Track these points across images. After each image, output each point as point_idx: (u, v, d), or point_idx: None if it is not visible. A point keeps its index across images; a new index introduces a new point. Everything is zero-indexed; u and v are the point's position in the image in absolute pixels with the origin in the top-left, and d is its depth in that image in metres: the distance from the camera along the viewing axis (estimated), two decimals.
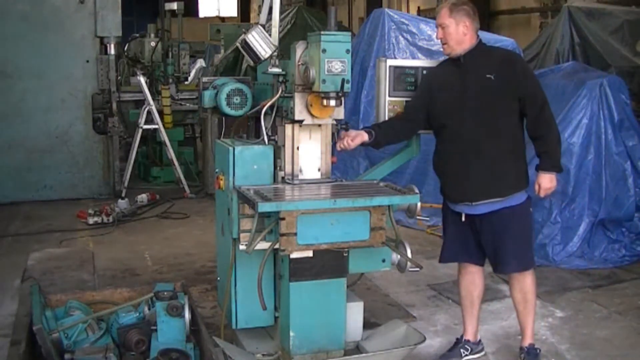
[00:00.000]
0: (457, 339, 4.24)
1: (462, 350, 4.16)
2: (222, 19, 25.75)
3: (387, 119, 4.02)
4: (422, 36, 7.71)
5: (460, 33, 3.81)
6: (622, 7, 8.71)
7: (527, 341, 4.11)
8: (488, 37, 7.79)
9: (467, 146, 3.82)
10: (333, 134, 3.73)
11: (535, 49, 8.92)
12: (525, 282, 4.02)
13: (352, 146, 3.79)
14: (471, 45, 3.84)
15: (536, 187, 3.91)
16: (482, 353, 4.23)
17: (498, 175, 3.84)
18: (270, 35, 3.62)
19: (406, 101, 3.99)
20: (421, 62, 4.33)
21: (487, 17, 14.12)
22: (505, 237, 3.89)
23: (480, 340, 4.25)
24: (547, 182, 3.88)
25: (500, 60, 3.88)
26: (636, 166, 6.13)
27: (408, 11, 16.94)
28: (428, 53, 7.62)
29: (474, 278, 4.15)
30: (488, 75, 3.76)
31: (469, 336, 4.19)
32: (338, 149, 3.81)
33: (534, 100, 3.82)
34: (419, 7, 17.58)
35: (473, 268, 4.13)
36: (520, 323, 4.14)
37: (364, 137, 3.83)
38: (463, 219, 3.96)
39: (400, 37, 7.73)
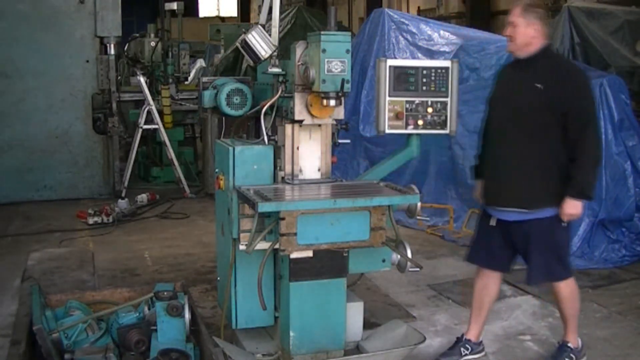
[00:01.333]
0: (458, 337, 4.24)
1: (462, 349, 4.17)
2: (222, 19, 25.77)
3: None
4: (422, 36, 7.71)
5: (528, 35, 3.79)
6: (622, 7, 8.70)
7: (564, 338, 4.14)
8: (488, 37, 7.83)
9: (504, 151, 3.88)
10: (333, 134, 3.73)
11: None
12: (557, 291, 4.02)
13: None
14: (536, 49, 3.82)
15: (560, 210, 3.82)
16: (482, 354, 4.23)
17: (529, 186, 3.83)
18: (270, 35, 3.62)
19: None
20: (421, 62, 4.33)
21: (487, 17, 14.15)
22: (532, 249, 3.89)
23: (481, 342, 4.25)
24: (570, 208, 3.80)
25: (557, 71, 3.82)
26: (636, 166, 6.13)
27: (408, 11, 16.96)
28: (428, 53, 7.64)
29: (487, 283, 4.16)
30: (537, 85, 3.76)
31: (471, 336, 4.20)
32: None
33: (576, 120, 3.75)
34: (419, 7, 17.60)
35: (490, 273, 4.14)
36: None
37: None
38: (493, 223, 3.98)
39: (400, 37, 7.74)
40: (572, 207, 3.81)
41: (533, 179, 3.83)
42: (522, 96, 3.83)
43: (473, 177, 4.29)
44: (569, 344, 4.12)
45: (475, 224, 4.25)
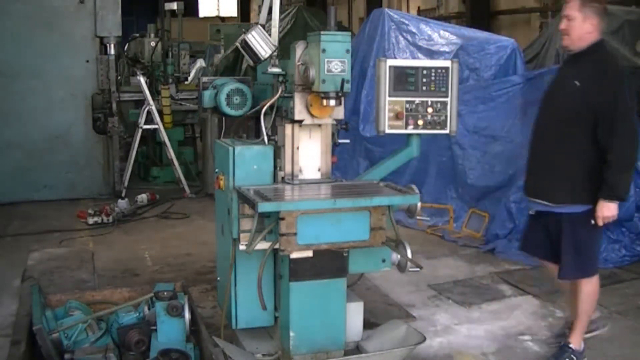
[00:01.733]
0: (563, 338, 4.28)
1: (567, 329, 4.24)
2: (222, 19, 25.77)
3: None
4: (422, 36, 7.71)
5: (584, 30, 3.77)
6: (622, 7, 8.69)
7: (567, 339, 4.15)
8: (488, 37, 7.82)
9: (539, 145, 3.99)
10: (333, 134, 3.73)
11: (535, 49, 8.91)
12: (581, 289, 4.05)
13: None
14: (589, 45, 3.80)
15: (595, 213, 3.83)
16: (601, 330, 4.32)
17: (553, 179, 3.89)
18: (270, 35, 3.62)
19: None
20: (421, 62, 4.33)
21: (487, 17, 14.14)
22: (562, 245, 3.95)
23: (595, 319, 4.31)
24: (605, 210, 3.80)
25: (594, 68, 3.81)
26: (636, 166, 6.12)
27: (408, 11, 16.96)
28: (428, 53, 7.63)
29: (549, 271, 4.24)
30: (575, 82, 3.77)
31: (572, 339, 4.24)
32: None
33: (605, 120, 3.73)
34: (419, 7, 17.59)
35: (546, 263, 4.22)
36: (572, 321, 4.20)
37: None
38: (532, 212, 4.10)
39: (400, 37, 7.73)
40: (605, 209, 3.79)
41: (562, 174, 3.88)
42: (562, 93, 3.90)
43: None
44: (571, 345, 4.12)
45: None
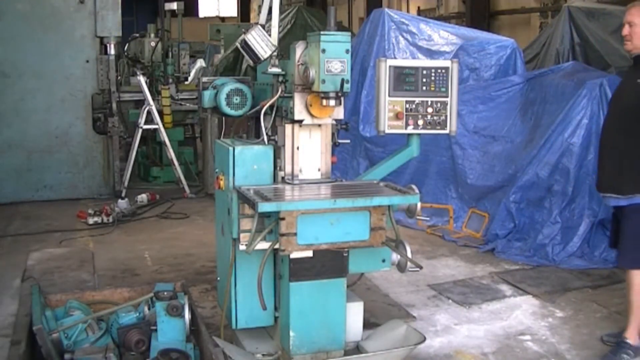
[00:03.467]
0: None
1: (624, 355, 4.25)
2: (222, 19, 25.79)
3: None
4: (422, 36, 7.71)
5: None
6: (622, 7, 8.66)
7: (626, 333, 4.21)
8: (488, 37, 7.83)
9: (606, 141, 4.20)
10: (333, 134, 3.73)
11: (535, 49, 8.92)
12: (631, 280, 4.18)
13: None
14: None
15: None
16: None
17: (623, 174, 4.05)
18: (270, 35, 3.62)
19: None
20: (421, 62, 4.33)
21: (487, 17, 14.13)
22: (622, 233, 4.13)
23: None
24: None
25: None
26: None
27: (408, 11, 16.95)
28: (428, 53, 7.63)
29: None
30: (638, 81, 3.98)
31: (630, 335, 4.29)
32: None
33: None
34: (419, 7, 17.59)
35: None
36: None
37: None
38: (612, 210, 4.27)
39: (400, 37, 7.74)
40: None
41: (629, 167, 4.04)
42: (625, 91, 4.10)
43: None
44: (628, 340, 4.19)
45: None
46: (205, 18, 25.37)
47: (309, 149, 3.65)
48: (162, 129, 8.74)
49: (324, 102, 3.41)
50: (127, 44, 11.16)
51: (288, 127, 3.60)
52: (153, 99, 8.75)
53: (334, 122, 3.68)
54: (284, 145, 3.61)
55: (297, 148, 3.61)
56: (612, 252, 6.01)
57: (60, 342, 3.76)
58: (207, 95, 3.99)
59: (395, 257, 3.67)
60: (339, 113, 3.62)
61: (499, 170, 6.68)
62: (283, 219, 3.22)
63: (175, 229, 7.30)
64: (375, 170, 4.05)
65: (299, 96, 3.50)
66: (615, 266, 4.31)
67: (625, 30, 4.10)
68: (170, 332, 3.83)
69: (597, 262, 5.93)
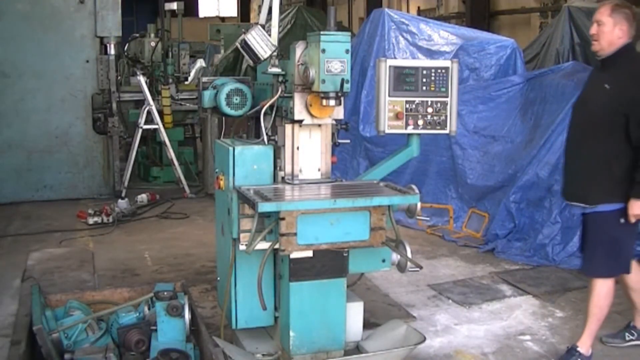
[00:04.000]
0: (627, 324, 4.33)
1: (627, 334, 4.25)
2: (222, 19, 25.79)
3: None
4: (422, 36, 7.71)
5: (614, 35, 3.82)
6: None
7: (576, 342, 4.14)
8: (488, 37, 7.83)
9: (571, 148, 4.03)
10: (333, 134, 3.73)
11: (535, 49, 8.92)
12: (593, 288, 4.06)
13: None
14: (618, 49, 3.85)
15: (628, 211, 3.87)
16: None
17: (588, 182, 3.93)
18: (269, 35, 3.62)
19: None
20: (421, 62, 4.33)
21: (487, 17, 14.14)
22: (588, 242, 4.03)
23: None
24: (636, 209, 3.84)
25: (627, 72, 3.86)
26: None
27: (408, 11, 16.95)
28: (428, 53, 7.63)
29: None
30: (605, 85, 3.82)
31: (637, 323, 4.29)
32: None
33: (635, 122, 3.77)
34: (419, 7, 17.59)
35: None
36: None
37: None
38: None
39: (400, 37, 7.74)
40: (637, 208, 3.83)
41: (594, 176, 3.91)
42: (593, 96, 3.94)
43: None
44: (579, 349, 4.09)
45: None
46: (205, 18, 25.38)
47: (309, 149, 3.65)
48: (162, 129, 8.74)
49: (324, 102, 3.41)
50: (127, 44, 11.16)
51: (288, 127, 3.60)
52: (153, 99, 8.75)
53: (334, 122, 3.68)
54: (284, 145, 3.61)
55: (297, 148, 3.61)
56: None
57: (60, 342, 3.76)
58: (207, 95, 3.99)
59: (395, 257, 3.67)
60: (339, 113, 3.62)
61: (499, 170, 6.68)
62: (283, 219, 3.22)
63: (175, 229, 7.30)
64: (375, 170, 4.05)
65: (299, 96, 3.50)
66: (579, 270, 4.22)
67: (593, 29, 3.92)
68: (170, 332, 3.83)
69: None
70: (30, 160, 8.43)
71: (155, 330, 3.85)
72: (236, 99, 3.87)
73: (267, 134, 3.69)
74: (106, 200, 8.17)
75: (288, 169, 3.62)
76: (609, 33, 3.83)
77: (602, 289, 4.04)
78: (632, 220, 3.88)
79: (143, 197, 8.25)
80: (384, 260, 3.66)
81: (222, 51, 12.73)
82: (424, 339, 3.67)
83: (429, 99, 3.94)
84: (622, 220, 3.92)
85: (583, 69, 6.91)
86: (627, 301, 5.16)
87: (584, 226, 4.13)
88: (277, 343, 3.74)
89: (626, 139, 3.84)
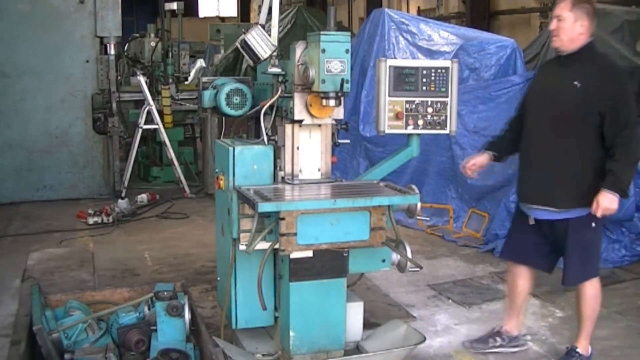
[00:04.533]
0: (494, 327, 4.27)
1: (491, 339, 4.18)
2: (222, 19, 25.77)
3: (505, 131, 4.16)
4: (422, 36, 7.71)
5: (575, 31, 3.71)
6: (622, 7, 8.70)
7: (574, 342, 4.11)
8: (488, 37, 7.82)
9: (536, 148, 3.84)
10: (333, 134, 3.73)
11: (535, 49, 8.91)
12: (581, 293, 4.00)
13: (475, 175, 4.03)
14: (580, 46, 3.74)
15: (594, 204, 3.72)
16: (520, 348, 4.22)
17: (555, 185, 3.79)
18: (269, 35, 3.62)
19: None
20: (421, 62, 4.33)
21: (487, 17, 14.14)
22: (566, 251, 3.89)
23: (521, 335, 4.23)
24: (606, 201, 3.68)
25: (596, 69, 3.76)
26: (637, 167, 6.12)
27: (408, 11, 16.95)
28: (428, 53, 7.63)
29: (516, 279, 4.17)
30: (575, 82, 3.70)
31: (506, 326, 4.22)
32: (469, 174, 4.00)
33: (615, 121, 3.69)
34: (419, 7, 17.59)
35: (519, 269, 4.14)
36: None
37: (485, 161, 3.97)
38: (531, 222, 3.94)
39: (400, 37, 7.73)
40: (608, 201, 3.68)
41: (565, 178, 3.79)
42: (560, 93, 3.79)
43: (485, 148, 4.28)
44: (578, 350, 4.07)
45: (512, 220, 4.28)
46: (205, 18, 25.37)
47: (309, 149, 3.65)
48: (162, 129, 8.74)
49: (324, 102, 3.41)
50: (127, 44, 11.16)
51: (288, 127, 3.60)
52: (153, 99, 8.75)
53: (334, 122, 3.68)
54: (284, 145, 3.61)
55: (297, 148, 3.61)
56: (612, 252, 6.03)
57: (60, 342, 3.76)
58: (207, 95, 3.99)
59: (395, 257, 3.67)
60: (339, 113, 3.62)
61: (499, 170, 6.67)
62: (283, 219, 3.22)
63: (175, 229, 7.30)
64: (375, 170, 4.05)
65: (298, 96, 3.50)
66: (563, 284, 4.08)
67: (553, 24, 3.74)
68: (170, 332, 3.83)
69: None
70: (30, 160, 8.43)
71: (155, 330, 3.86)
72: (236, 99, 3.88)
73: (267, 134, 3.69)
74: (106, 200, 8.17)
75: (288, 169, 3.62)
76: (570, 29, 3.71)
77: (590, 291, 4.00)
78: (599, 214, 3.71)
79: (143, 197, 8.25)
80: (384, 260, 3.66)
81: (222, 51, 12.73)
82: (424, 339, 3.67)
83: (429, 99, 3.94)
84: (594, 224, 3.86)
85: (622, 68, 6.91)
86: (628, 301, 5.18)
87: (542, 232, 3.95)
88: (277, 343, 3.74)
89: (599, 138, 3.74)
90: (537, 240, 4.02)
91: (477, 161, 4.16)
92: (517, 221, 4.11)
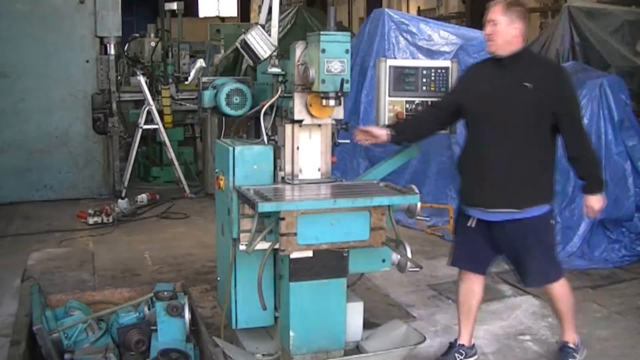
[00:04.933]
0: (451, 343, 4.19)
1: (456, 354, 4.11)
2: (222, 19, 25.73)
3: (416, 114, 3.97)
4: (422, 36, 7.71)
5: (510, 34, 3.70)
6: (622, 7, 8.70)
7: (563, 338, 4.13)
8: None
9: (489, 151, 3.74)
10: (333, 134, 3.73)
11: (535, 49, 8.90)
12: (553, 293, 3.99)
13: (367, 143, 3.92)
14: (517, 49, 3.73)
15: (585, 209, 3.84)
16: (476, 357, 4.19)
17: (516, 186, 3.74)
18: (269, 35, 3.62)
19: (439, 97, 3.95)
20: (421, 62, 4.34)
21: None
22: (527, 252, 3.82)
23: (474, 345, 4.20)
24: (596, 203, 3.78)
25: (544, 69, 3.77)
26: (636, 166, 6.13)
27: (408, 11, 16.97)
28: (428, 53, 7.63)
29: (472, 286, 4.08)
30: (526, 84, 3.67)
31: (464, 341, 4.14)
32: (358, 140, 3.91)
33: (570, 119, 3.71)
34: (419, 7, 17.61)
35: (474, 276, 4.06)
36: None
37: (383, 138, 3.86)
38: (473, 224, 3.88)
39: (400, 37, 7.73)
40: (597, 202, 3.79)
41: (524, 178, 3.74)
42: (511, 96, 3.71)
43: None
44: (569, 344, 4.11)
45: (454, 226, 4.17)
46: (205, 18, 25.33)
47: (309, 149, 3.65)
48: (162, 129, 8.74)
49: (324, 102, 3.41)
50: (127, 44, 11.16)
51: (288, 127, 3.60)
52: (153, 99, 8.75)
53: (334, 122, 3.68)
54: (284, 145, 3.61)
55: (297, 148, 3.62)
56: (612, 252, 6.04)
57: (60, 342, 3.76)
58: (207, 95, 3.99)
59: (395, 257, 3.68)
60: (339, 113, 3.62)
61: None
62: (283, 219, 3.22)
63: (175, 229, 7.30)
64: (375, 170, 4.05)
65: (298, 96, 3.50)
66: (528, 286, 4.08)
67: (488, 29, 3.70)
68: (170, 332, 3.83)
69: (597, 262, 5.93)
70: (30, 160, 8.43)
71: (155, 330, 3.85)
72: (236, 99, 3.88)
73: (267, 134, 3.69)
74: (106, 200, 8.16)
75: (288, 169, 3.62)
76: (504, 32, 3.68)
77: (562, 290, 3.99)
78: (593, 216, 3.88)
79: (143, 197, 8.25)
80: (384, 260, 3.66)
81: (222, 51, 12.71)
82: (424, 339, 3.67)
83: (429, 99, 3.95)
84: (552, 222, 3.90)
85: (583, 69, 6.91)
86: (628, 301, 5.18)
87: (485, 235, 3.88)
88: (277, 343, 3.74)
89: (551, 135, 3.75)
90: (484, 245, 3.94)
91: (373, 132, 3.90)
92: (464, 227, 3.96)
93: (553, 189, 3.87)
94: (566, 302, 4.04)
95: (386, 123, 3.96)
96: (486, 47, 3.80)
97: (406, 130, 3.91)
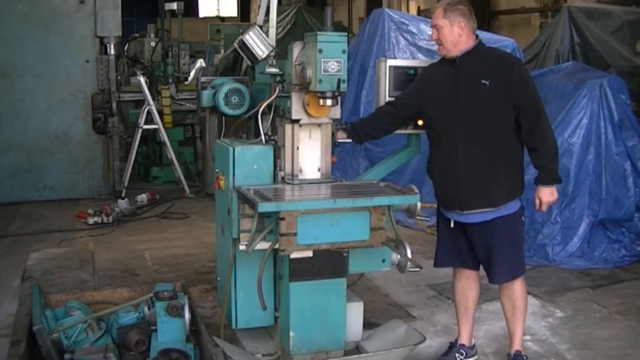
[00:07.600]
0: (452, 342, 4.19)
1: (457, 354, 4.11)
2: (222, 19, 25.75)
3: (375, 110, 4.00)
4: (422, 36, 7.70)
5: (455, 34, 3.68)
6: (622, 7, 8.71)
7: (514, 348, 4.06)
8: (488, 37, 7.79)
9: (458, 153, 3.72)
10: (333, 134, 3.73)
11: (535, 49, 8.92)
12: (514, 289, 3.97)
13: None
14: (468, 46, 3.71)
15: (537, 201, 3.81)
16: (476, 357, 4.19)
17: (490, 184, 3.73)
18: (267, 35, 3.62)
19: (396, 96, 3.91)
20: (421, 62, 4.33)
21: (487, 17, 14.13)
22: (497, 248, 3.82)
23: (474, 345, 4.21)
24: (547, 195, 3.79)
25: (498, 64, 3.73)
26: (636, 166, 6.12)
27: (408, 11, 16.94)
28: (428, 53, 7.62)
29: (469, 283, 4.09)
30: (483, 81, 3.64)
31: (464, 340, 4.14)
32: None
33: (529, 110, 3.69)
34: (419, 7, 17.59)
35: (468, 273, 4.07)
36: (508, 330, 4.09)
37: (342, 135, 3.86)
38: (452, 225, 3.90)
39: (400, 37, 7.73)
40: (549, 194, 3.80)
41: (495, 176, 3.74)
42: (471, 95, 3.69)
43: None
44: (523, 353, 4.05)
45: (437, 227, 4.16)
46: (205, 18, 25.35)
47: (309, 149, 3.65)
48: (162, 129, 8.74)
49: (321, 101, 3.42)
50: (127, 44, 11.16)
51: (288, 127, 3.60)
52: (153, 99, 8.75)
53: (333, 122, 3.68)
54: (283, 145, 3.61)
55: (297, 148, 3.61)
56: (612, 252, 6.03)
57: (60, 342, 3.76)
58: (206, 94, 3.99)
59: (395, 257, 3.67)
60: (336, 112, 3.62)
61: None
62: (283, 219, 3.22)
63: (175, 229, 7.30)
64: (375, 170, 4.05)
65: (296, 96, 3.51)
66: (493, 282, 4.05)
67: (434, 35, 3.71)
68: (170, 332, 3.83)
69: (597, 262, 5.93)
70: (30, 161, 8.43)
71: (155, 330, 3.85)
72: (234, 99, 3.88)
73: (265, 133, 3.69)
74: (106, 200, 8.17)
75: (288, 169, 3.62)
76: (449, 34, 3.67)
77: (522, 287, 3.99)
78: (544, 208, 3.84)
79: (143, 197, 8.25)
80: (384, 260, 3.66)
81: (222, 51, 12.74)
82: (424, 339, 3.67)
83: None
84: (523, 218, 3.91)
85: (583, 69, 6.91)
86: (628, 301, 5.18)
87: (472, 235, 3.87)
88: (277, 343, 3.74)
89: (515, 130, 3.73)
90: (467, 244, 3.94)
91: (337, 136, 3.89)
92: (445, 227, 3.99)
93: (523, 183, 3.87)
94: (524, 301, 4.02)
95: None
96: (438, 52, 3.80)
97: (360, 129, 3.94)
